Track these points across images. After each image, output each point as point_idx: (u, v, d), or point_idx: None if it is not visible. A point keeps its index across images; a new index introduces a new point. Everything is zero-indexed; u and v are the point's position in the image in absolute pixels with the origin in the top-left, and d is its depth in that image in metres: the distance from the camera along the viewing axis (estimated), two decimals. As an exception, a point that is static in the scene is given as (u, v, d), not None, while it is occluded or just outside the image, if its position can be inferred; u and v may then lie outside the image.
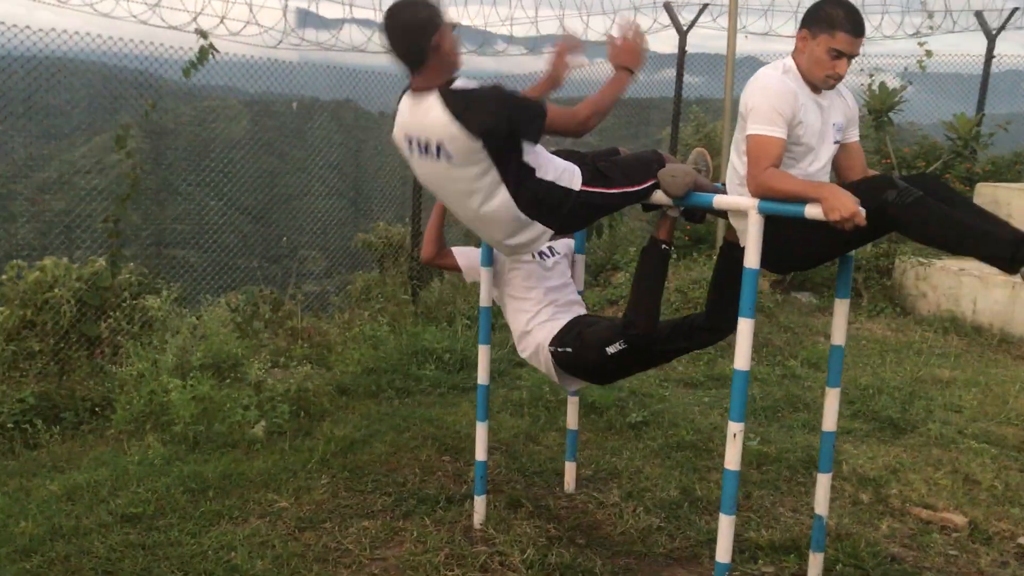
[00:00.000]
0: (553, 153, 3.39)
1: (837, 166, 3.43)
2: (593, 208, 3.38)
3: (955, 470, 4.81)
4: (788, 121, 3.08)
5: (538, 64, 11.15)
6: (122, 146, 5.67)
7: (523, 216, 3.23)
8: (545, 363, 3.98)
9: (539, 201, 3.22)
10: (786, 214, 3.02)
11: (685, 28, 9.46)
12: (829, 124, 3.24)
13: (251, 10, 6.20)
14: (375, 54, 8.38)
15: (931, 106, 12.79)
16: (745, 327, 3.11)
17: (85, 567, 3.67)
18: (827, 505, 3.69)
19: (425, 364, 6.35)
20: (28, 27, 5.61)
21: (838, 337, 3.57)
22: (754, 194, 3.07)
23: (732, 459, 3.21)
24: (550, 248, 4.14)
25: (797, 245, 3.22)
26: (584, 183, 3.29)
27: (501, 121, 3.06)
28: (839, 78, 3.15)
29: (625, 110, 13.24)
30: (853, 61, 3.19)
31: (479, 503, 4.16)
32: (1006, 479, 4.72)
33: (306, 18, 8.51)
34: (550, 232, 3.34)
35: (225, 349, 5.43)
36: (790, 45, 3.26)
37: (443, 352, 6.52)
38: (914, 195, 2.92)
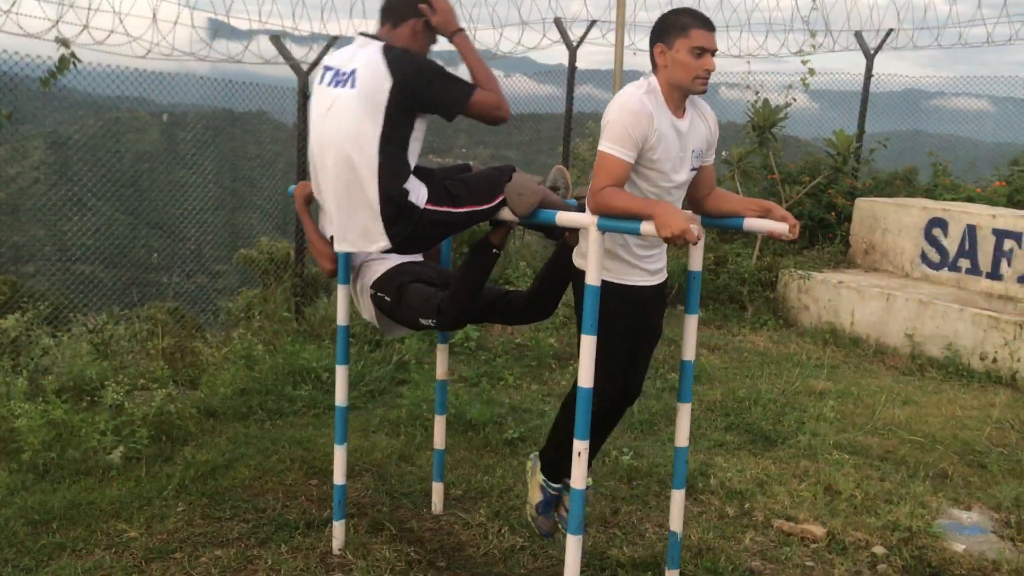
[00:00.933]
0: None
1: (689, 187, 3.44)
2: (438, 227, 3.31)
3: (818, 481, 4.89)
4: (638, 144, 3.06)
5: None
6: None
7: (376, 195, 3.16)
8: (367, 306, 3.95)
9: (391, 196, 3.16)
10: (621, 231, 3.00)
11: (575, 44, 9.52)
12: (688, 151, 3.24)
13: (120, 19, 5.97)
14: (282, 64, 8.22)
15: (817, 121, 13.19)
16: (587, 344, 3.07)
17: (-98, 610, 3.43)
18: (681, 521, 3.70)
19: (301, 384, 6.18)
20: None
21: (688, 352, 3.58)
22: (593, 210, 3.05)
23: (578, 478, 3.18)
24: None
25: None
26: (428, 201, 3.23)
27: (422, 78, 3.13)
28: (708, 74, 3.14)
29: (519, 125, 13.30)
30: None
31: (337, 528, 4.04)
32: (866, 489, 4.81)
33: (218, 29, 8.31)
34: (383, 243, 3.25)
35: (81, 372, 5.18)
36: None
37: (322, 371, 6.37)
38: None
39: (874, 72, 10.32)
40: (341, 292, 3.89)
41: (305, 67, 7.36)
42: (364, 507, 4.50)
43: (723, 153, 9.73)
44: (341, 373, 3.97)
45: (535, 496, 3.82)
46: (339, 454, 4.02)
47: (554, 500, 3.82)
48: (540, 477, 3.79)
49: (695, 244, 2.87)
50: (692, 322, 3.54)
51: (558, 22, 9.49)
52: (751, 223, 3.27)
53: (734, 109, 10.90)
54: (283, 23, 8.78)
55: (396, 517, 4.37)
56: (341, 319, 3.92)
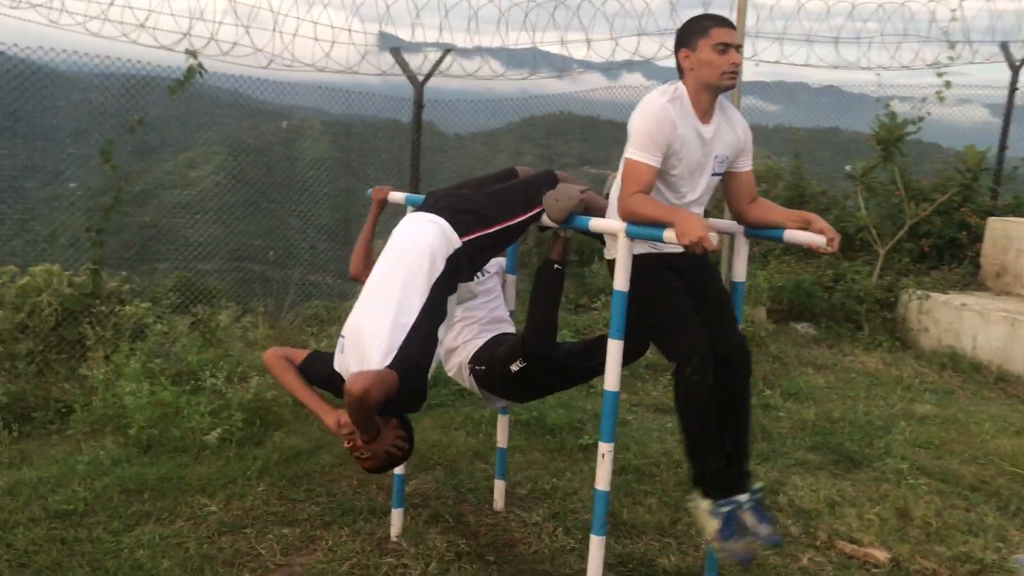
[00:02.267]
0: (428, 194, 3.50)
1: (726, 191, 3.45)
2: (483, 250, 3.41)
3: (894, 506, 4.72)
4: (663, 148, 3.12)
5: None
6: (107, 159, 5.92)
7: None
8: (468, 381, 4.06)
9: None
10: (648, 237, 3.05)
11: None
12: (710, 156, 3.26)
13: (247, 31, 6.42)
14: (456, 77, 8.61)
15: (966, 132, 12.54)
16: (614, 348, 3.13)
17: (0, 558, 3.84)
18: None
19: (394, 379, 6.43)
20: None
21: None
22: (621, 217, 3.11)
23: (602, 479, 3.24)
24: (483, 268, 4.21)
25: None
26: (462, 235, 3.32)
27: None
28: (735, 67, 3.17)
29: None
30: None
31: (396, 516, 4.23)
32: (945, 517, 4.61)
33: (388, 41, 8.78)
34: (471, 282, 3.42)
35: (191, 357, 5.60)
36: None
37: (417, 368, 6.60)
38: (698, 377, 3.15)
39: (1018, 85, 9.76)
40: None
41: (420, 78, 7.65)
42: (429, 499, 4.67)
43: (847, 167, 9.44)
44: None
45: (710, 527, 3.31)
46: (399, 445, 4.20)
47: (732, 521, 3.29)
48: (705, 504, 3.32)
49: (713, 251, 2.88)
50: (734, 333, 3.52)
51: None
52: (791, 235, 3.24)
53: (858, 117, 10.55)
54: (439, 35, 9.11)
55: (457, 510, 4.52)
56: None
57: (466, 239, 3.31)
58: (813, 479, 5.11)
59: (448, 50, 7.76)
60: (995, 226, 8.72)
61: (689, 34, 3.20)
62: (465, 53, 9.65)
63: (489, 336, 4.04)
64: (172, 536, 4.12)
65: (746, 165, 3.41)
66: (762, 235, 3.42)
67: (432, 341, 3.21)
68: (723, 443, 3.30)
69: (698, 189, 3.28)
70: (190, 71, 6.11)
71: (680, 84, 3.23)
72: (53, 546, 3.95)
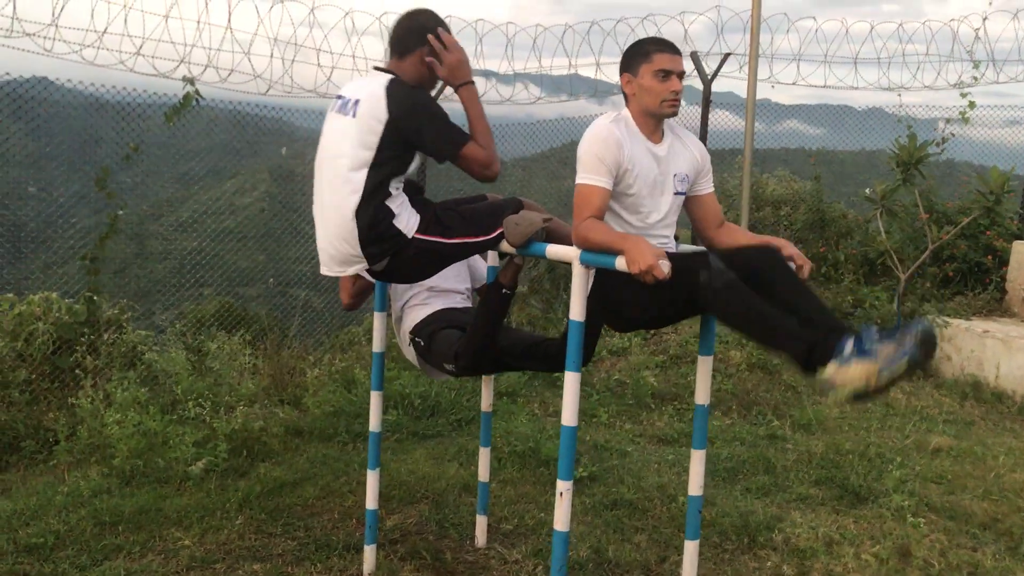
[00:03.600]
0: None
1: (692, 218, 3.31)
2: (428, 255, 3.31)
3: (895, 545, 4.49)
4: (612, 169, 3.00)
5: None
6: (102, 187, 5.91)
7: (353, 223, 3.22)
8: (408, 351, 4.01)
9: (374, 221, 3.20)
10: (601, 265, 2.91)
11: (710, 77, 9.32)
12: (669, 175, 3.14)
13: (249, 60, 6.41)
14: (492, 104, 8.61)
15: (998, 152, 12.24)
16: (570, 380, 2.99)
17: (-40, 594, 3.77)
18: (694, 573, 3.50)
19: (391, 410, 6.33)
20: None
21: (701, 396, 3.40)
22: (576, 244, 2.98)
23: (561, 519, 3.08)
24: None
25: (626, 305, 3.10)
26: (418, 231, 3.26)
27: (416, 115, 3.17)
28: (677, 95, 3.08)
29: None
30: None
31: (368, 552, 4.11)
32: (949, 558, 4.37)
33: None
34: (360, 266, 3.30)
35: (181, 385, 5.54)
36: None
37: (415, 397, 6.50)
38: (724, 279, 2.78)
39: (1047, 105, 9.47)
40: (376, 320, 3.98)
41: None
42: (409, 534, 4.53)
43: (866, 191, 9.21)
44: (375, 399, 4.05)
45: (857, 372, 2.64)
46: (371, 479, 4.09)
47: (860, 337, 2.73)
48: (829, 371, 2.71)
49: (664, 279, 2.73)
50: (705, 364, 3.37)
51: (694, 56, 9.32)
52: None
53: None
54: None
55: (436, 547, 4.38)
56: (376, 346, 4.00)
57: (418, 236, 3.25)
58: (813, 515, 4.89)
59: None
60: (1021, 250, 8.42)
61: (632, 58, 3.11)
62: (505, 79, 9.64)
63: (437, 307, 3.96)
64: (140, 571, 4.02)
65: (707, 187, 3.28)
66: (732, 262, 3.27)
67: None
68: (791, 313, 2.84)
69: (662, 209, 3.15)
70: (187, 98, 6.10)
71: (625, 110, 3.15)
72: (15, 582, 3.88)
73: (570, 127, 12.58)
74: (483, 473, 4.46)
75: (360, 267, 3.31)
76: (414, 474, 5.31)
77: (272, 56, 6.48)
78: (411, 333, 3.97)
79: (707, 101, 9.35)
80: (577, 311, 2.96)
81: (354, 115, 3.22)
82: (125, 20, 5.86)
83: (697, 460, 3.43)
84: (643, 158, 3.07)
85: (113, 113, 7.19)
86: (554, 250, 3.11)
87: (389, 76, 3.29)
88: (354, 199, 3.21)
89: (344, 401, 6.36)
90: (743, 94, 8.57)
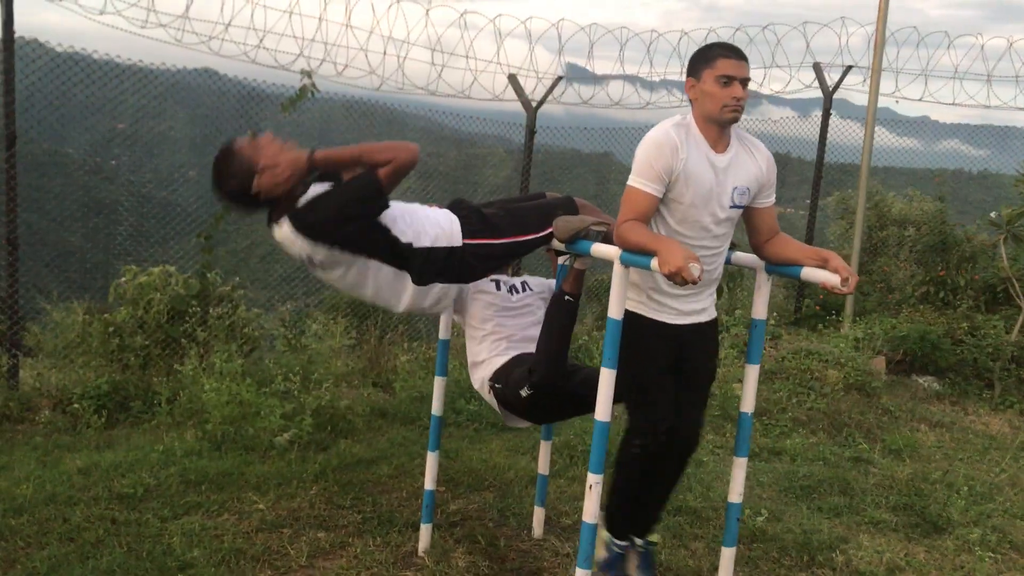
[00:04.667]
0: (451, 202, 3.52)
1: (747, 226, 3.31)
2: (484, 259, 3.41)
3: (963, 578, 4.34)
4: (663, 176, 3.03)
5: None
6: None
7: (413, 286, 3.36)
8: (488, 397, 4.03)
9: (425, 269, 3.31)
10: (638, 265, 2.96)
11: (831, 88, 9.10)
12: (727, 187, 3.14)
13: (366, 57, 6.71)
14: (634, 109, 8.80)
15: None
16: (606, 376, 3.05)
17: (54, 530, 4.14)
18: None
19: (473, 399, 6.49)
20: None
21: (747, 405, 3.39)
22: (616, 244, 3.04)
23: (589, 511, 3.15)
24: (524, 283, 4.18)
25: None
26: (466, 236, 3.35)
27: (332, 217, 3.18)
28: (739, 101, 3.08)
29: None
30: None
31: (424, 531, 4.26)
32: (1018, 597, 4.20)
33: (574, 71, 9.10)
34: (455, 286, 3.43)
35: (269, 361, 5.86)
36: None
37: (499, 390, 6.64)
38: (639, 451, 3.36)
39: None
40: (443, 316, 4.13)
41: (534, 103, 7.73)
42: (469, 518, 4.67)
43: (992, 214, 8.80)
44: (439, 385, 4.21)
45: (599, 552, 3.60)
46: (431, 461, 4.24)
47: (618, 560, 3.59)
48: (604, 533, 3.61)
49: (695, 283, 2.76)
50: (753, 373, 3.36)
51: (816, 67, 9.13)
52: (808, 272, 3.08)
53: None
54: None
55: (492, 533, 4.50)
56: (443, 333, 4.16)
57: (468, 241, 3.34)
58: (884, 540, 4.77)
59: (560, 77, 7.83)
60: None
61: (697, 63, 3.11)
62: (649, 84, 9.72)
63: (515, 354, 3.99)
64: (213, 528, 4.31)
65: (768, 200, 3.26)
66: (781, 272, 3.26)
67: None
68: (643, 497, 3.48)
69: (715, 220, 3.16)
70: (303, 90, 6.43)
71: (689, 115, 3.15)
72: (102, 525, 4.22)
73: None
74: (543, 466, 4.55)
75: (453, 291, 3.51)
76: (486, 463, 5.44)
77: (385, 53, 6.76)
78: (491, 381, 4.00)
79: (827, 113, 9.14)
80: (615, 309, 3.02)
81: (322, 268, 3.35)
82: (252, 14, 6.24)
83: (739, 467, 3.43)
84: (700, 167, 3.09)
85: (270, 103, 7.60)
86: (598, 248, 3.18)
87: (285, 219, 3.25)
88: (393, 284, 3.38)
89: (430, 388, 6.55)
90: (893, 109, 8.35)
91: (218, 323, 6.20)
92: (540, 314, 4.25)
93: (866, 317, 8.95)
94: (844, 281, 2.97)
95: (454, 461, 5.43)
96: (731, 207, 3.18)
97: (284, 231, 3.24)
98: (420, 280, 3.34)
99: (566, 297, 3.58)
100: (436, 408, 4.23)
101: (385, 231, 3.27)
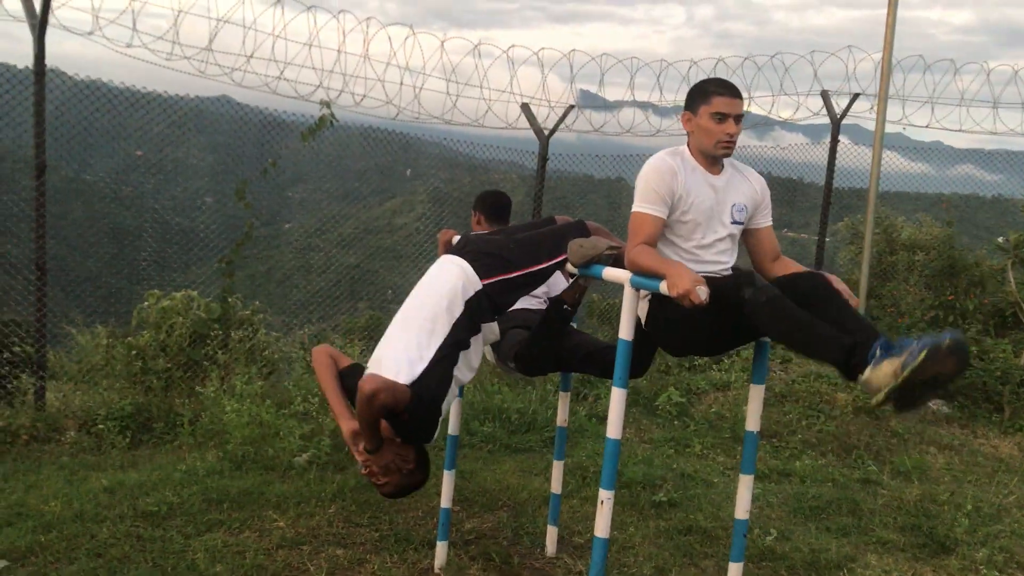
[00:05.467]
0: (463, 236, 3.69)
1: (749, 251, 3.44)
2: (506, 291, 3.55)
3: (969, 597, 4.41)
4: (666, 199, 3.18)
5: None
6: (241, 198, 6.49)
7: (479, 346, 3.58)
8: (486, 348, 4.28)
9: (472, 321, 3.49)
10: (648, 288, 3.09)
11: (839, 116, 9.24)
12: (726, 204, 3.28)
13: (382, 84, 6.90)
14: (645, 136, 8.99)
15: None
16: (617, 396, 3.18)
17: (82, 546, 4.27)
18: (737, 596, 3.60)
19: (487, 421, 6.61)
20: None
21: (752, 424, 3.51)
22: (627, 267, 3.18)
23: (602, 526, 3.26)
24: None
25: (680, 325, 3.26)
26: (483, 276, 3.49)
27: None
28: (731, 137, 3.22)
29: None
30: None
31: (440, 548, 4.38)
32: (1023, 615, 4.27)
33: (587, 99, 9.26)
34: (494, 323, 3.58)
35: (288, 383, 6.00)
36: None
37: (512, 412, 6.76)
38: (768, 294, 2.91)
39: None
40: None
41: (546, 132, 7.90)
42: (484, 536, 4.79)
43: (999, 239, 8.90)
44: (455, 406, 4.34)
45: (888, 370, 2.76)
46: (447, 480, 4.37)
47: (891, 342, 2.86)
48: (866, 375, 2.81)
49: (702, 305, 2.89)
50: (757, 393, 3.47)
51: (824, 95, 9.28)
52: None
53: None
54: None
55: (506, 551, 4.61)
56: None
57: (487, 282, 3.47)
58: (891, 560, 4.85)
59: (572, 106, 8.01)
60: None
61: (694, 98, 3.27)
62: (662, 111, 9.90)
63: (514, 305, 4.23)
64: (235, 545, 4.44)
65: (765, 221, 3.40)
66: (785, 294, 3.38)
67: (448, 377, 3.38)
68: (832, 325, 2.95)
69: (718, 237, 3.30)
70: (322, 120, 6.62)
71: (684, 146, 3.31)
72: (128, 541, 4.36)
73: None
74: (555, 486, 4.67)
75: (495, 327, 3.63)
76: (500, 483, 5.56)
77: (402, 83, 6.96)
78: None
79: (835, 140, 9.28)
80: (626, 331, 3.16)
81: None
82: (273, 47, 6.45)
83: (744, 485, 3.53)
84: (700, 187, 3.24)
85: (288, 131, 7.82)
86: (609, 273, 3.32)
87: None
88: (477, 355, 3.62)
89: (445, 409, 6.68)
90: (913, 134, 8.47)
91: (239, 346, 6.35)
92: (542, 298, 4.44)
93: (876, 341, 9.02)
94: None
95: (468, 481, 5.55)
96: (732, 223, 3.32)
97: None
98: (474, 331, 3.51)
99: (564, 306, 3.77)
100: (452, 428, 4.35)
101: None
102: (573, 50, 7.77)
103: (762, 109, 9.70)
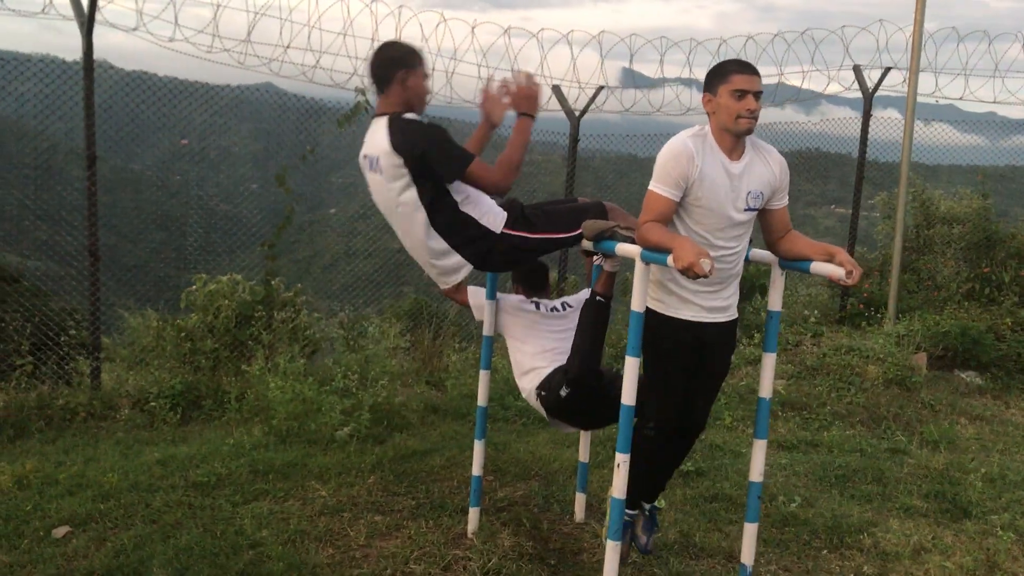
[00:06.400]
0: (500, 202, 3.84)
1: (762, 226, 3.58)
2: (516, 250, 3.74)
3: (988, 559, 4.53)
4: (679, 182, 3.32)
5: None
6: (281, 183, 6.74)
7: (438, 239, 3.69)
8: (536, 404, 4.32)
9: (453, 230, 3.66)
10: (657, 262, 3.25)
11: (871, 90, 9.25)
12: (741, 191, 3.40)
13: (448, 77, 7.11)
14: (612, 112, 9.10)
15: None
16: (631, 364, 3.35)
17: (138, 513, 4.57)
18: (752, 555, 3.77)
19: (520, 396, 6.81)
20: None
21: (765, 390, 3.66)
22: (637, 242, 3.35)
23: (618, 487, 3.45)
24: (564, 303, 4.48)
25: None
26: (506, 227, 3.70)
27: (417, 148, 3.54)
28: (752, 113, 3.33)
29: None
30: None
31: (472, 514, 4.59)
32: (1039, 575, 4.38)
33: (630, 77, 9.40)
34: (469, 265, 3.76)
35: (329, 361, 6.26)
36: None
37: (546, 388, 6.95)
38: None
39: None
40: (487, 307, 4.46)
41: (577, 113, 8.04)
42: (515, 504, 5.00)
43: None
44: (484, 378, 4.54)
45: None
46: (477, 448, 4.58)
47: (627, 526, 3.93)
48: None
49: (706, 277, 3.04)
50: (769, 361, 3.62)
51: (856, 69, 9.29)
52: (817, 267, 3.35)
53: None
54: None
55: (537, 517, 4.82)
56: (487, 331, 4.49)
57: (506, 231, 3.68)
58: (912, 525, 4.97)
59: (601, 87, 8.13)
60: None
61: (713, 78, 3.39)
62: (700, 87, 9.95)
63: (559, 364, 4.26)
64: (280, 512, 4.70)
65: (782, 202, 3.52)
66: (793, 266, 3.53)
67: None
68: (653, 473, 3.81)
69: (730, 222, 3.42)
70: (357, 107, 6.84)
71: (707, 126, 3.43)
72: (180, 509, 4.64)
73: (775, 137, 12.53)
74: (583, 454, 4.86)
75: (466, 270, 3.79)
76: (532, 455, 5.77)
77: (434, 68, 7.14)
78: (537, 389, 4.28)
79: (867, 114, 9.29)
80: (637, 302, 3.33)
81: (380, 172, 3.68)
82: (309, 36, 6.66)
83: (759, 448, 3.69)
84: (715, 173, 3.37)
85: (328, 116, 8.04)
86: (622, 248, 3.49)
87: (384, 119, 3.66)
88: (422, 228, 3.68)
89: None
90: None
91: (282, 327, 6.63)
92: None
93: (909, 314, 9.07)
94: (848, 274, 3.23)
95: (502, 453, 5.76)
96: (745, 210, 3.45)
97: (380, 125, 3.64)
98: (444, 235, 3.68)
99: (597, 298, 3.88)
100: (481, 400, 4.56)
101: (438, 178, 3.63)
102: (602, 31, 7.90)
103: (813, 84, 9.67)
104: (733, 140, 3.39)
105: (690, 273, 3.05)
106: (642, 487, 3.84)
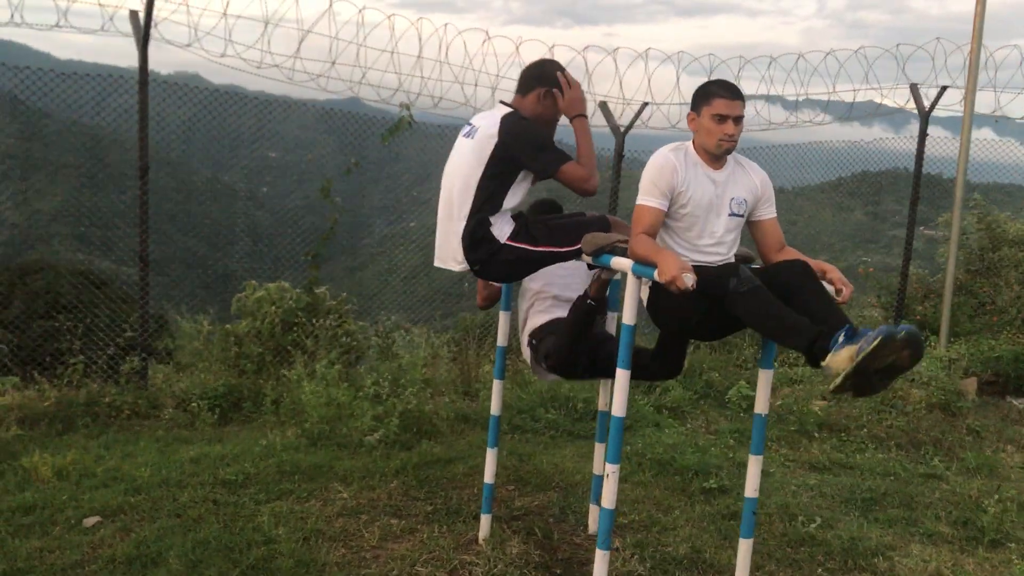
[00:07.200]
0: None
1: (756, 243, 3.61)
2: (517, 262, 3.83)
3: (1004, 588, 4.43)
4: (665, 192, 3.39)
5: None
6: (326, 195, 6.96)
7: (463, 224, 3.80)
8: (526, 351, 4.52)
9: (475, 228, 3.77)
10: (646, 275, 3.31)
11: (928, 108, 9.09)
12: (725, 198, 3.46)
13: (493, 93, 7.28)
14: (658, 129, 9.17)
15: None
16: (621, 377, 3.41)
17: (164, 507, 4.78)
18: (747, 570, 3.77)
19: (552, 408, 6.89)
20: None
21: (760, 406, 3.68)
22: (628, 255, 3.41)
23: (608, 498, 3.50)
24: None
25: (673, 311, 3.47)
26: (509, 238, 3.79)
27: (519, 142, 3.74)
28: (730, 137, 3.41)
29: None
30: None
31: (484, 520, 4.68)
32: (1057, 607, 4.27)
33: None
34: (464, 266, 3.86)
35: (363, 368, 6.42)
36: None
37: (579, 400, 7.01)
38: (749, 285, 3.11)
39: None
40: (501, 318, 4.56)
41: (622, 129, 8.10)
42: (531, 513, 5.07)
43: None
44: (497, 387, 4.63)
45: (845, 356, 2.95)
46: (490, 457, 4.67)
47: (853, 329, 3.05)
48: (828, 360, 2.99)
49: (689, 290, 3.09)
50: (765, 377, 3.64)
51: (913, 88, 9.14)
52: None
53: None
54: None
55: (549, 527, 4.88)
56: (500, 340, 4.58)
57: (508, 242, 3.78)
58: (934, 551, 4.88)
59: (645, 103, 8.17)
60: None
61: (698, 99, 3.47)
62: (790, 104, 9.94)
63: (556, 315, 4.41)
64: (301, 511, 4.86)
65: (768, 214, 3.56)
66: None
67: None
68: (792, 318, 3.15)
69: (717, 228, 3.48)
70: (401, 121, 7.02)
71: (689, 142, 3.51)
72: (205, 505, 4.84)
73: (863, 156, 12.26)
74: (597, 467, 4.90)
75: (463, 268, 3.90)
76: (556, 466, 5.83)
77: (477, 85, 7.29)
78: (530, 335, 4.48)
79: (923, 133, 9.12)
80: (629, 315, 3.39)
81: (473, 137, 3.84)
82: (356, 54, 6.88)
83: (754, 464, 3.70)
84: (700, 181, 3.44)
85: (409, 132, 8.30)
86: (616, 262, 3.55)
87: (509, 109, 3.89)
88: (467, 207, 3.81)
89: (512, 397, 7.00)
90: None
91: (323, 333, 6.82)
92: (582, 277, 4.63)
93: (965, 339, 8.86)
94: (838, 292, 3.25)
95: (526, 463, 5.84)
96: (730, 215, 3.50)
97: (501, 109, 3.90)
98: (468, 232, 3.81)
99: (587, 300, 3.99)
100: (495, 408, 4.65)
101: (510, 179, 3.81)
102: (648, 48, 7.95)
103: (895, 102, 9.49)
104: (713, 156, 3.46)
105: (672, 287, 3.11)
106: (795, 328, 3.12)
